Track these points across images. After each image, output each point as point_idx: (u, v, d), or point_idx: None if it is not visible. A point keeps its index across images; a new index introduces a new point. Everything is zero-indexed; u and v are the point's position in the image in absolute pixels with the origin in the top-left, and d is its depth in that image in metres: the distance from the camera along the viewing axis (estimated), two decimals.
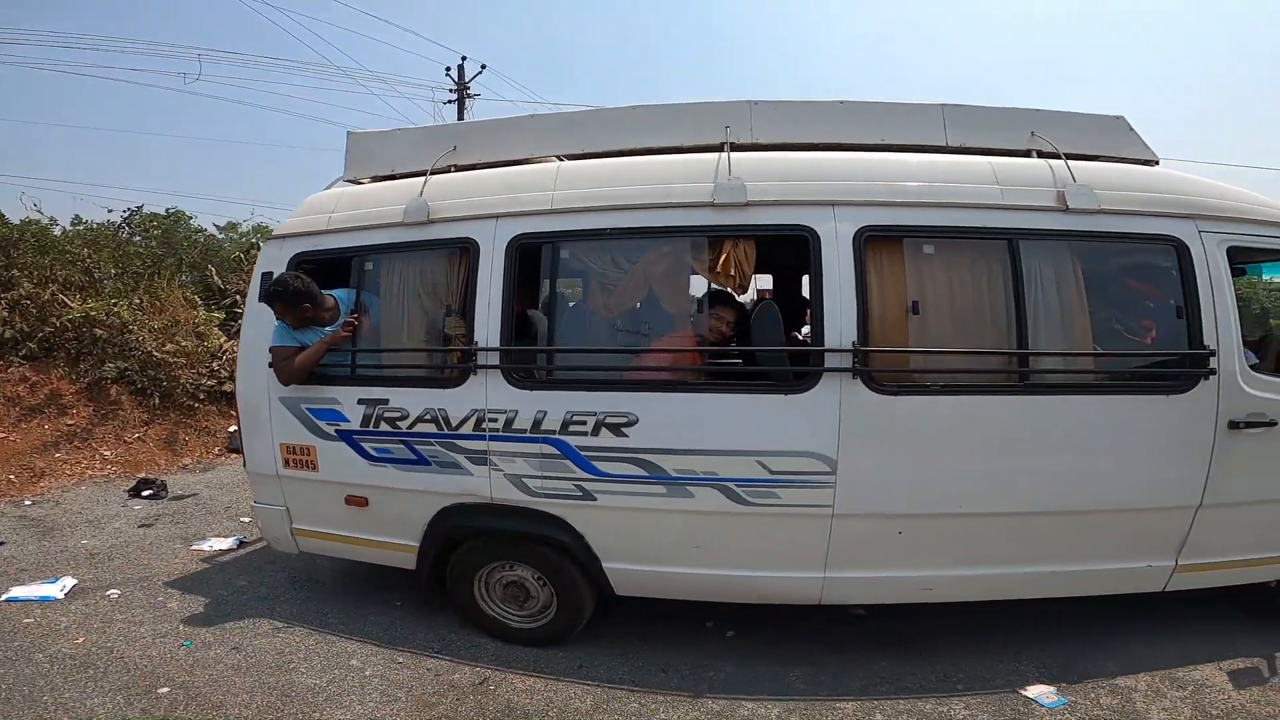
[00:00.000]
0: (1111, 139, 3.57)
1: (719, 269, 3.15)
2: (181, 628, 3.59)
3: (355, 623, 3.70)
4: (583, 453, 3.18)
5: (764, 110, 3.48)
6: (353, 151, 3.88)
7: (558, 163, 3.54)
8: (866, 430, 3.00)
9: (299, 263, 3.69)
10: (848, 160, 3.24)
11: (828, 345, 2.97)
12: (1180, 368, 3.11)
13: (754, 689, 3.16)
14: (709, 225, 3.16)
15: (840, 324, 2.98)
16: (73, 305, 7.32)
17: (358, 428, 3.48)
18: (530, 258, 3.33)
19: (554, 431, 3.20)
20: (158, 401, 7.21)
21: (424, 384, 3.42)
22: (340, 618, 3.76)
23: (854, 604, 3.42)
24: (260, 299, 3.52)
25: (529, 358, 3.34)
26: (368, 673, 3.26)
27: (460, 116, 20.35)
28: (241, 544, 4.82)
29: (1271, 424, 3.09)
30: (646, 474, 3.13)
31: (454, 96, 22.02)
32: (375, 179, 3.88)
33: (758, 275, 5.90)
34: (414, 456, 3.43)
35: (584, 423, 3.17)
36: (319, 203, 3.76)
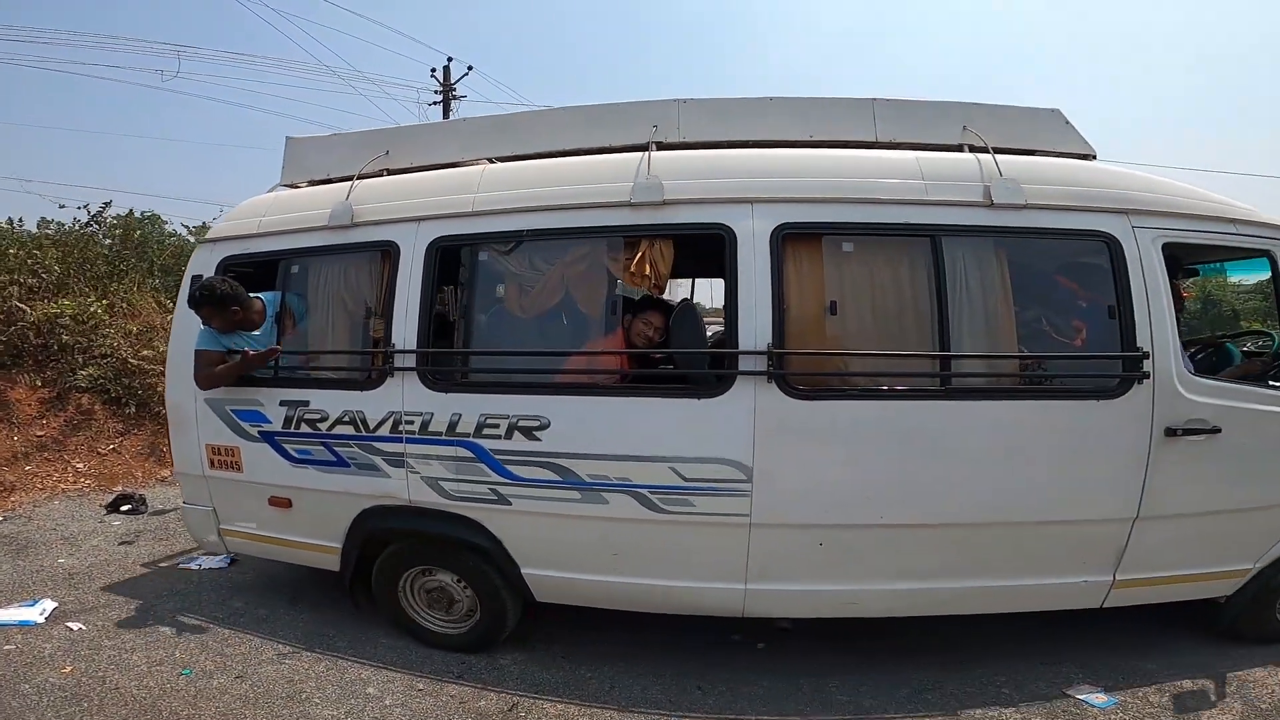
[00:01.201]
0: (1047, 133, 3.21)
1: (633, 269, 2.84)
2: (178, 654, 3.06)
3: (365, 645, 3.19)
4: (496, 456, 2.87)
5: (691, 109, 3.17)
6: (290, 156, 3.62)
7: (483, 166, 3.25)
8: (782, 436, 2.67)
9: (228, 266, 3.42)
10: (766, 157, 2.93)
11: (742, 347, 2.65)
12: (1112, 371, 2.75)
13: (796, 703, 2.83)
14: (626, 225, 2.85)
15: (755, 325, 2.66)
16: (27, 308, 6.48)
17: (279, 429, 3.19)
18: (451, 261, 3.04)
19: (468, 434, 2.89)
20: (133, 411, 6.46)
21: (343, 386, 3.13)
22: (348, 641, 3.23)
23: (778, 617, 3.04)
24: (187, 303, 3.30)
25: (444, 360, 3.03)
26: (387, 702, 2.81)
27: (445, 118, 18.94)
28: (233, 562, 4.18)
29: (1214, 431, 2.71)
30: (560, 479, 2.81)
31: (439, 98, 20.74)
32: (312, 183, 3.61)
33: (698, 280, 5.52)
34: (334, 458, 3.14)
35: (497, 426, 2.87)
36: (251, 207, 3.50)
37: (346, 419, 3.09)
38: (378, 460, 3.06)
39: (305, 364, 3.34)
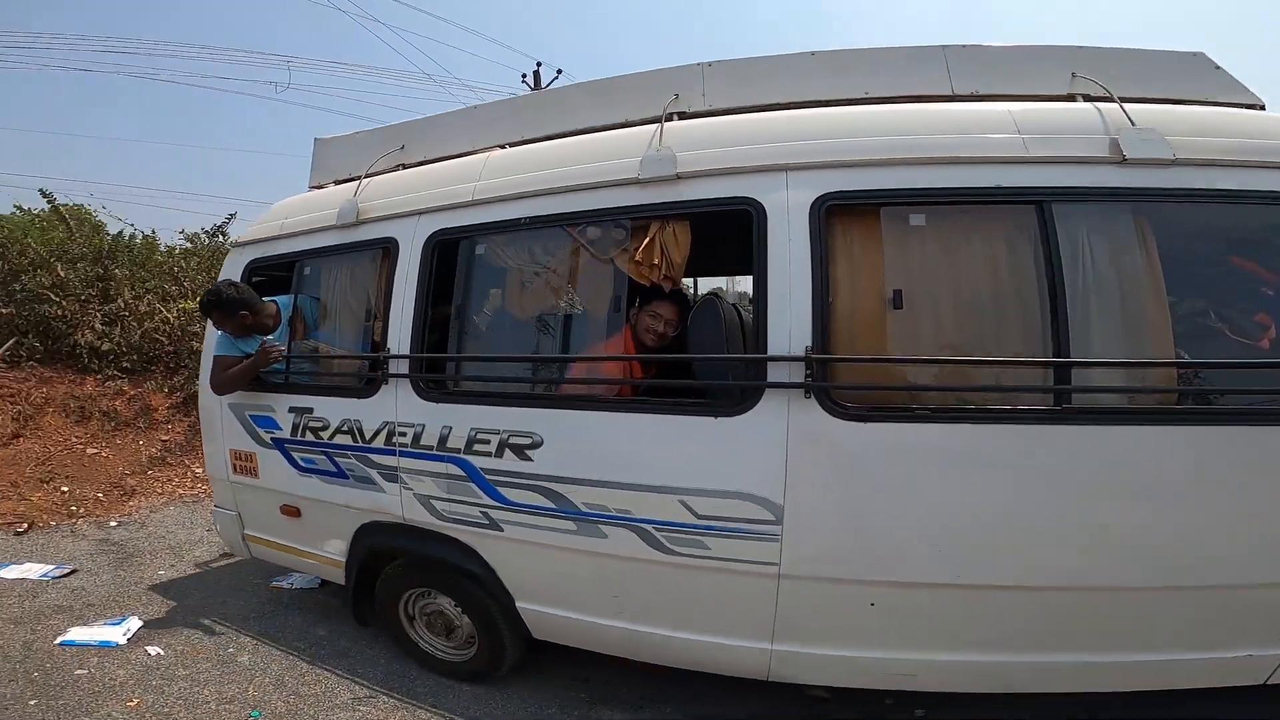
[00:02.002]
0: (1192, 80, 2.10)
1: (639, 257, 2.02)
2: (251, 691, 2.50)
3: (446, 694, 2.48)
4: (487, 476, 2.15)
5: (718, 72, 2.29)
6: (318, 157, 3.08)
7: (490, 153, 2.53)
8: (824, 468, 1.77)
9: (254, 269, 2.97)
10: (805, 116, 2.02)
11: (772, 352, 1.78)
12: None
13: None
14: (633, 206, 2.04)
15: (789, 324, 1.77)
16: (165, 309, 6.16)
17: (288, 436, 2.63)
18: (450, 257, 2.36)
19: (459, 450, 2.20)
20: None
21: (343, 393, 2.52)
22: (430, 687, 2.52)
23: (813, 685, 2.09)
24: (199, 309, 2.94)
25: (435, 367, 2.36)
26: None
27: None
28: (324, 584, 3.46)
29: None
30: (553, 506, 2.05)
31: None
32: (337, 183, 3.04)
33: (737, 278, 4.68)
34: (334, 469, 2.54)
35: (487, 442, 2.15)
36: (278, 209, 2.98)
37: (345, 428, 2.51)
38: (373, 474, 2.43)
39: (309, 369, 2.77)
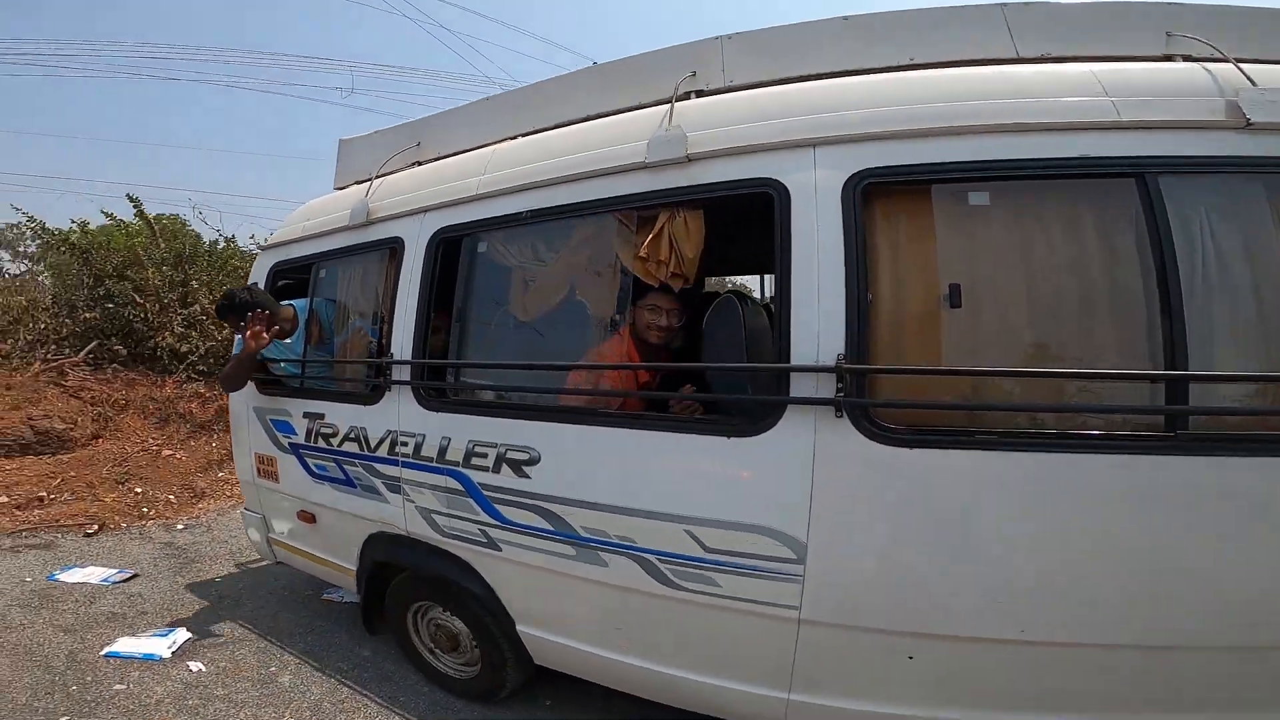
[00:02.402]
0: None
1: (644, 252, 1.67)
2: (287, 717, 2.22)
3: None
4: (485, 492, 1.86)
5: (739, 44, 1.89)
6: (342, 158, 2.88)
7: (497, 145, 2.23)
8: (859, 501, 1.38)
9: (276, 273, 2.82)
10: (837, 85, 1.61)
11: (796, 360, 1.39)
12: None
13: None
14: (639, 193, 1.69)
15: (817, 326, 1.37)
16: None
17: (303, 442, 2.43)
18: (454, 256, 2.07)
19: (457, 463, 1.91)
20: None
21: (350, 400, 2.29)
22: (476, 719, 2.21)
23: None
24: (215, 313, 2.81)
25: (437, 374, 2.06)
26: None
27: None
28: None
29: None
30: (552, 529, 1.74)
31: None
32: (358, 184, 3.00)
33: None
34: (343, 476, 2.29)
35: (485, 456, 1.85)
36: (300, 212, 2.78)
37: (352, 435, 2.25)
38: (378, 484, 2.17)
39: (322, 375, 2.55)
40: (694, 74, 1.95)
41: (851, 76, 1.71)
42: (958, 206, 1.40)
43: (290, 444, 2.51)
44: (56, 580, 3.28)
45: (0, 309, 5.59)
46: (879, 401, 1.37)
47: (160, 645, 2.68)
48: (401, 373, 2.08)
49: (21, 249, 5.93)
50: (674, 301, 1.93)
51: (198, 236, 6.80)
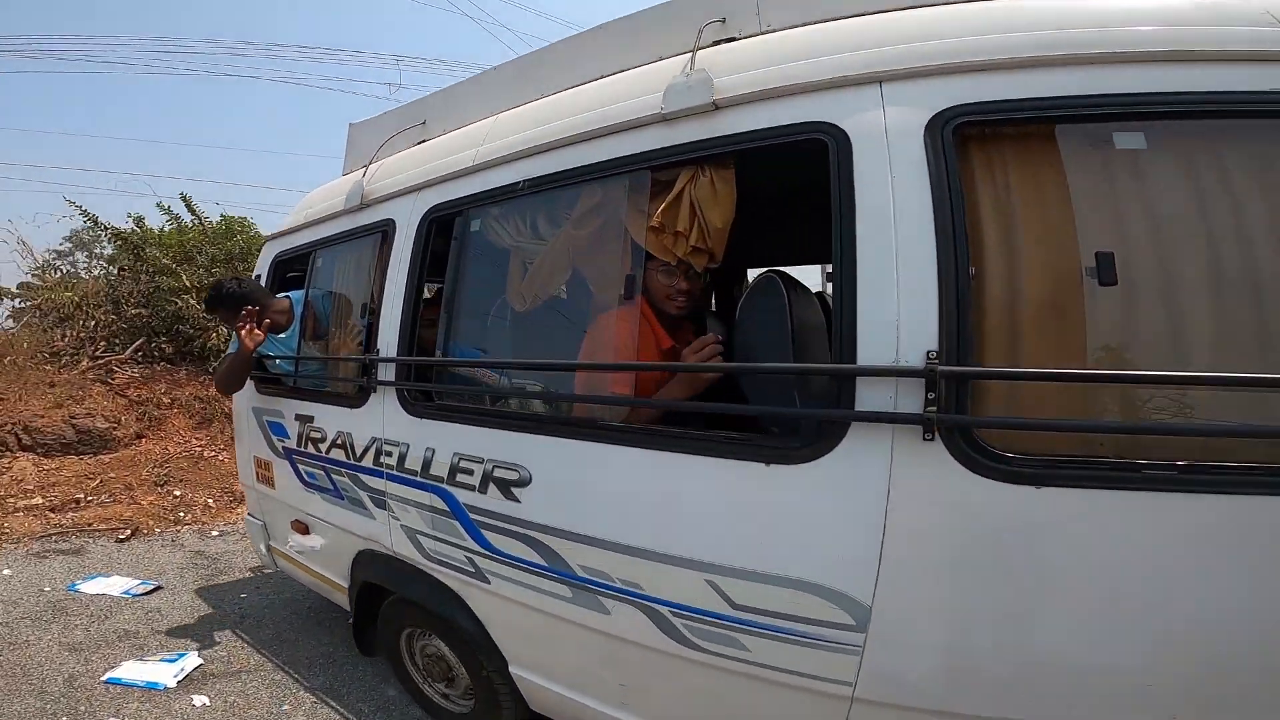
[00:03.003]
0: None
1: (659, 220, 1.20)
2: None
3: None
4: (471, 515, 1.43)
5: None
6: (351, 142, 2.41)
7: (499, 115, 1.83)
8: (953, 554, 0.88)
9: (278, 264, 2.42)
10: (910, 16, 1.09)
11: (864, 360, 0.90)
12: None
13: None
14: (654, 150, 1.23)
15: (898, 314, 0.88)
16: None
17: (295, 446, 2.04)
18: (447, 237, 1.64)
19: (442, 479, 1.48)
20: None
21: (338, 401, 1.88)
22: None
23: None
24: (204, 307, 2.47)
25: (424, 374, 1.64)
26: None
27: None
28: None
29: None
30: (544, 564, 1.29)
31: None
32: (364, 168, 2.65)
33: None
34: (331, 486, 1.88)
35: (471, 472, 1.42)
36: (305, 200, 2.38)
37: (339, 441, 1.82)
38: (364, 497, 1.75)
39: (308, 373, 2.15)
40: (723, 20, 1.50)
41: (923, 9, 1.23)
42: (1100, 151, 0.90)
43: (284, 448, 2.15)
44: (76, 591, 2.92)
45: (52, 306, 5.43)
46: (991, 420, 0.86)
47: (166, 673, 2.25)
48: (386, 372, 1.69)
49: (98, 250, 5.77)
50: (693, 285, 1.41)
51: (256, 235, 6.41)
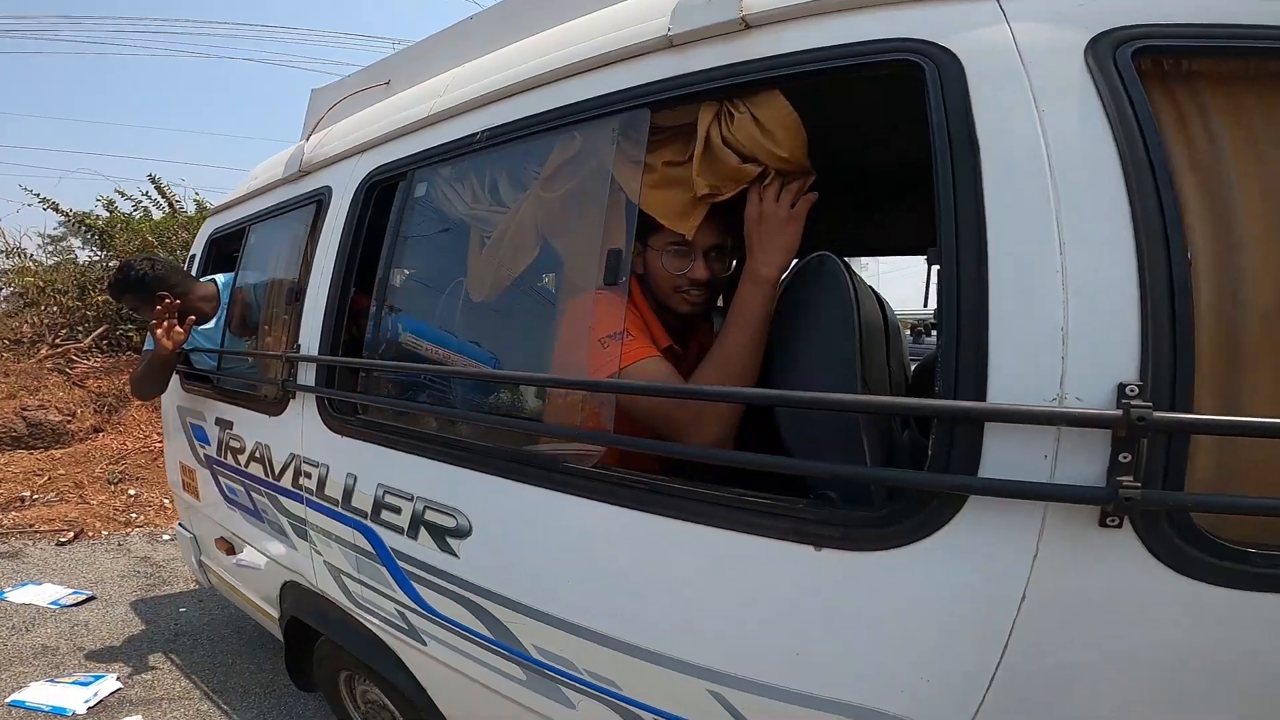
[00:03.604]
0: None
1: (667, 178, 0.75)
2: None
3: None
4: (399, 563, 0.98)
5: None
6: (312, 110, 1.99)
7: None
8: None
9: (212, 241, 1.89)
10: None
11: (999, 395, 0.47)
12: None
13: None
14: (658, 81, 0.76)
15: (1063, 318, 0.46)
16: None
17: (215, 454, 1.56)
18: (389, 207, 1.16)
19: (365, 514, 1.03)
20: None
21: (256, 406, 1.40)
22: None
23: None
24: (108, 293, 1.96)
25: (347, 378, 1.14)
26: None
27: None
28: None
29: None
30: (490, 636, 0.84)
31: None
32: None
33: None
34: (251, 505, 1.42)
35: (398, 510, 0.96)
36: (253, 171, 1.87)
37: (257, 454, 1.35)
38: (284, 522, 1.29)
39: (236, 371, 1.67)
40: None
41: None
42: None
43: (205, 455, 1.65)
44: (4, 599, 2.37)
45: (16, 293, 4.72)
46: (1240, 502, 0.46)
47: (76, 698, 1.77)
48: (307, 374, 1.23)
49: (111, 238, 5.04)
50: (723, 232, 0.87)
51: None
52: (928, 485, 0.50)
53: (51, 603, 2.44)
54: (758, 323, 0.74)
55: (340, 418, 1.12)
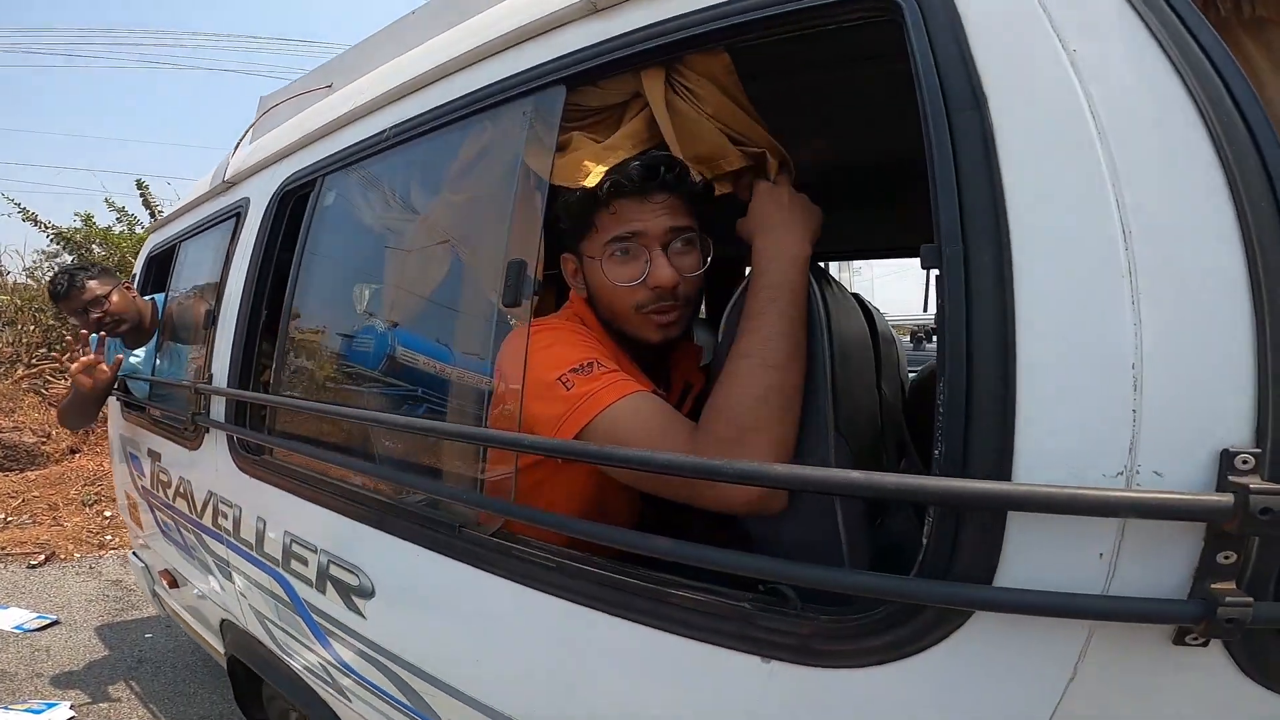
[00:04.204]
0: None
1: (580, 160, 0.51)
2: None
3: None
4: (313, 615, 0.75)
5: None
6: (260, 118, 1.87)
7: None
8: None
9: (149, 260, 1.68)
10: None
11: (1030, 468, 0.27)
12: None
13: None
14: (578, 50, 0.53)
15: (1136, 345, 0.27)
16: None
17: (149, 486, 1.31)
18: (302, 218, 0.90)
19: (277, 560, 0.79)
20: None
21: (178, 439, 1.14)
22: None
23: None
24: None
25: (257, 413, 0.89)
26: None
27: None
28: None
29: None
30: (406, 702, 0.62)
31: None
32: None
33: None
34: (183, 541, 1.18)
35: (305, 562, 0.73)
36: (197, 183, 1.87)
37: (181, 489, 1.11)
38: (210, 561, 1.05)
39: (160, 400, 1.34)
40: None
41: None
42: None
43: (141, 486, 1.41)
44: None
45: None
46: None
47: None
48: (217, 406, 1.00)
49: (89, 252, 4.54)
50: (685, 213, 0.55)
51: None
52: (916, 598, 0.30)
53: (15, 627, 2.15)
54: (800, 306, 0.45)
55: (248, 457, 0.89)
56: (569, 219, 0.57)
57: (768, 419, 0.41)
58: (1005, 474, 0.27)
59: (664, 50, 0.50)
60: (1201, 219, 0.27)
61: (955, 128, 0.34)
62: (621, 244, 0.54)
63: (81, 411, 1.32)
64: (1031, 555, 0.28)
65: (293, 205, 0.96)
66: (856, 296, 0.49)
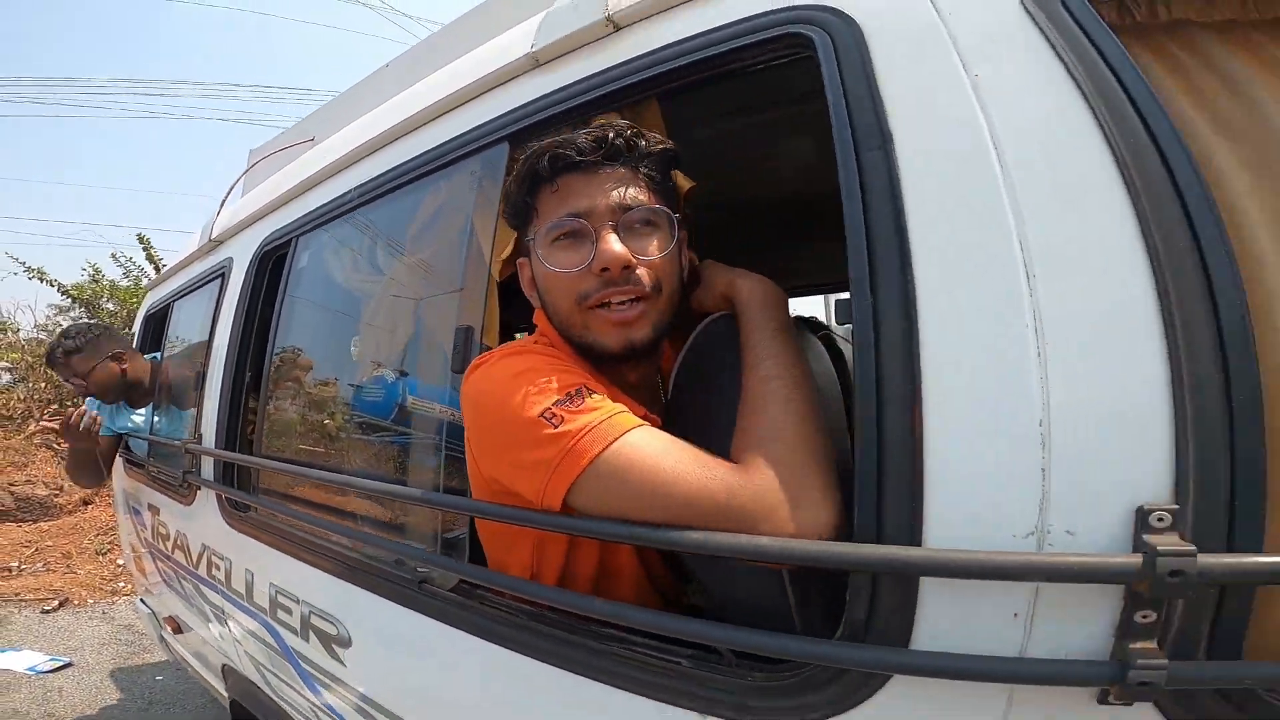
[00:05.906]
0: None
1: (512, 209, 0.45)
2: None
3: None
4: (300, 662, 0.70)
5: None
6: (248, 169, 1.81)
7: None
8: None
9: (147, 318, 1.66)
10: None
11: (939, 524, 0.26)
12: None
13: None
14: (521, 106, 0.52)
15: (1042, 399, 0.25)
16: None
17: (150, 538, 1.26)
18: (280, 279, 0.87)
19: (265, 609, 0.75)
20: None
21: (174, 495, 1.09)
22: None
23: None
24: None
25: (243, 472, 0.84)
26: None
27: None
28: None
29: None
30: None
31: None
32: None
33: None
34: (182, 590, 1.15)
35: (290, 611, 0.70)
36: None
37: (179, 542, 1.07)
38: (208, 609, 1.01)
39: (157, 456, 1.28)
40: None
41: None
42: None
43: (144, 538, 1.35)
44: None
45: (4, 369, 4.13)
46: None
47: None
48: (207, 465, 0.96)
49: (102, 305, 4.43)
50: (644, 189, 0.44)
51: None
52: (833, 661, 0.28)
53: (29, 669, 2.05)
54: (794, 334, 0.40)
55: (236, 513, 0.85)
56: (510, 206, 0.46)
57: (819, 438, 0.33)
58: (916, 539, 0.25)
59: (603, 101, 0.48)
60: (1109, 258, 0.24)
61: (864, 168, 0.31)
62: (567, 226, 0.42)
63: (81, 468, 1.27)
64: (946, 617, 0.25)
65: (272, 266, 0.93)
66: (828, 335, 0.44)
